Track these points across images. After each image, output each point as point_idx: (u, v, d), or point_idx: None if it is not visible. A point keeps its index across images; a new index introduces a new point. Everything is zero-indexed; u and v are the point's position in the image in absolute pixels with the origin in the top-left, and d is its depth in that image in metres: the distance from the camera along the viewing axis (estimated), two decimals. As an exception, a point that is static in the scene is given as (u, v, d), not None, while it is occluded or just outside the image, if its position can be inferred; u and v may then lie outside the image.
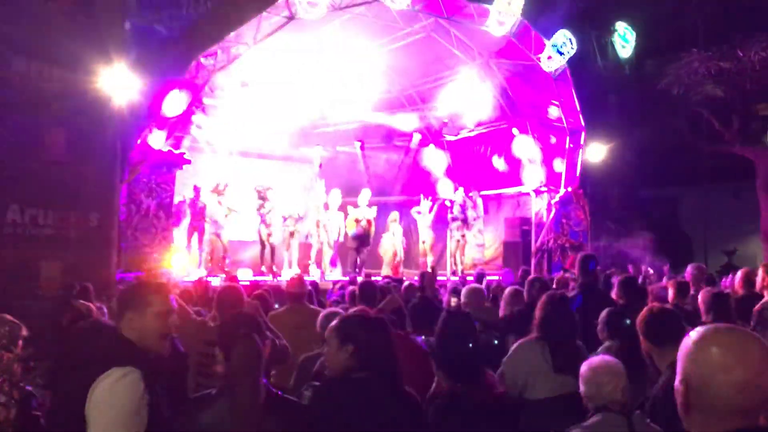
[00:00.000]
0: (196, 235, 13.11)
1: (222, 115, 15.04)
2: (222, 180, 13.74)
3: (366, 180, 17.31)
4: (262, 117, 15.31)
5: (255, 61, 13.55)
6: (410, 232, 16.57)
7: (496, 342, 4.64)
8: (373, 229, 14.58)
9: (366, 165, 18.15)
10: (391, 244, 15.17)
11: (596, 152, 15.78)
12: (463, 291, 5.69)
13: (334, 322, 2.87)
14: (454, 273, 15.10)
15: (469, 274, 12.33)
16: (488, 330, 4.76)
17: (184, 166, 12.72)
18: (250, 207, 13.84)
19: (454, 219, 15.38)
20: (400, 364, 2.78)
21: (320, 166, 15.92)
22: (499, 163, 17.11)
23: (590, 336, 4.35)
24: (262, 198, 13.68)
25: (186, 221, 13.20)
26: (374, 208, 14.83)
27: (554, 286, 7.61)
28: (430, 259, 15.52)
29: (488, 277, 10.30)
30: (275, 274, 13.29)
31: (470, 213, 15.53)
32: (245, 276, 12.75)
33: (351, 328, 2.79)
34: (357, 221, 14.34)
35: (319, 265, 14.57)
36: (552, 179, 16.01)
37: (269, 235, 13.62)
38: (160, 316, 2.67)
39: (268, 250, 13.64)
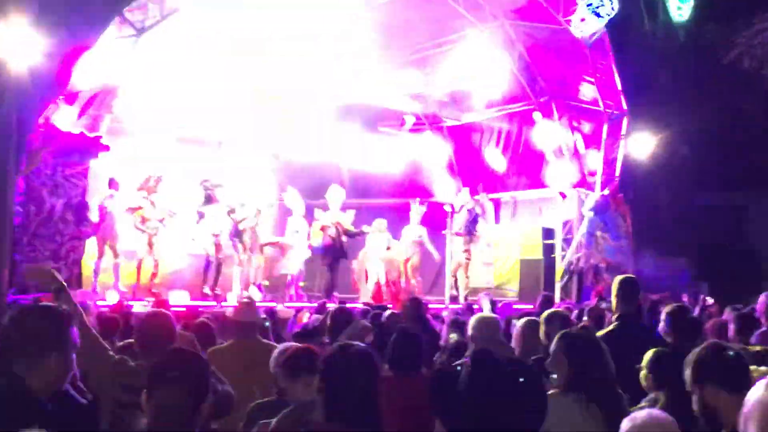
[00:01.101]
0: (108, 246, 12.95)
1: (156, 87, 14.99)
2: (154, 172, 13.68)
3: (343, 177, 17.30)
4: (207, 92, 15.25)
5: (200, 17, 13.51)
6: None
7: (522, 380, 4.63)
8: (344, 238, 14.55)
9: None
10: (374, 261, 15.18)
11: (642, 144, 15.85)
12: (472, 321, 5.68)
13: (292, 356, 2.88)
14: (454, 300, 15.12)
15: (473, 302, 12.35)
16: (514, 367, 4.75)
17: (102, 155, 12.62)
18: (192, 209, 13.80)
19: (455, 230, 15.40)
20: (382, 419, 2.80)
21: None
22: (515, 157, 17.17)
23: (630, 384, 4.37)
24: (209, 197, 13.64)
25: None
26: (350, 213, 14.84)
27: (585, 318, 7.64)
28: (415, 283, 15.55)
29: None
30: (219, 298, 13.26)
31: (478, 223, 15.59)
32: (179, 300, 12.66)
33: (327, 367, 2.82)
34: (324, 229, 14.35)
35: (288, 287, 14.62)
36: (584, 179, 16.12)
37: (217, 246, 13.60)
38: (59, 364, 2.71)
39: (214, 265, 13.63)
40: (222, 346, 5.55)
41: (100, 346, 4.23)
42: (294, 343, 4.67)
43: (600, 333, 5.15)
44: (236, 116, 16.13)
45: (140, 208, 13.21)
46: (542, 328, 5.58)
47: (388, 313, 7.32)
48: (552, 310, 6.22)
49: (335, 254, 14.32)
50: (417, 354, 4.76)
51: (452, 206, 15.90)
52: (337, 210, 14.67)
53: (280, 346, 4.56)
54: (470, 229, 15.40)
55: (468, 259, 15.55)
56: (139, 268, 13.22)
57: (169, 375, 2.67)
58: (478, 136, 18.11)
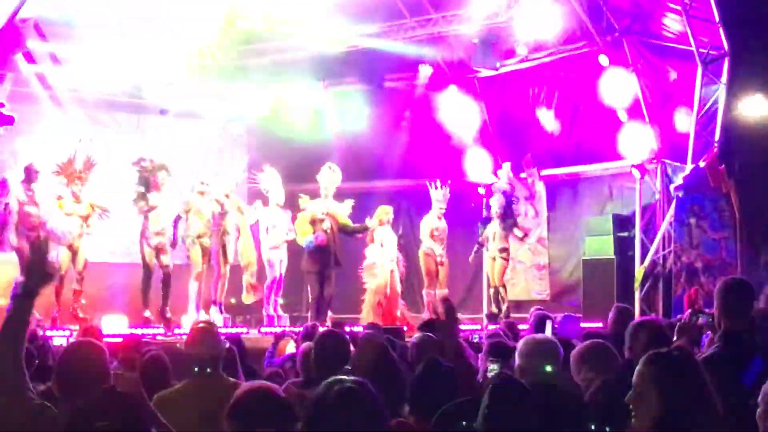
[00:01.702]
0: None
1: (75, 40, 15.04)
2: (78, 154, 13.72)
3: (336, 154, 17.31)
4: (143, 43, 15.30)
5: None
6: (413, 242, 16.59)
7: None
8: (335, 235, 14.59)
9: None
10: (379, 264, 15.20)
11: (751, 98, 15.79)
12: (521, 346, 5.66)
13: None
14: (492, 318, 15.14)
15: (520, 319, 12.33)
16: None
17: (4, 128, 12.67)
18: (126, 201, 13.87)
19: (490, 218, 15.40)
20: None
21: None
22: (574, 120, 17.15)
23: (742, 425, 4.34)
24: (146, 183, 13.67)
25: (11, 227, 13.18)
26: (348, 203, 14.85)
27: (674, 336, 7.63)
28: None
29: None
30: (171, 325, 13.28)
31: (522, 208, 15.58)
32: (116, 327, 12.74)
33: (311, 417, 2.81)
34: (314, 223, 14.34)
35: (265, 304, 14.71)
36: (671, 146, 16.07)
37: (159, 251, 13.61)
38: None
39: (156, 278, 13.67)
40: (172, 389, 5.52)
41: (22, 382, 4.22)
42: (255, 383, 4.62)
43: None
44: (187, 73, 16.18)
45: (59, 198, 13.29)
46: (627, 340, 5.59)
47: (416, 339, 7.24)
48: (639, 320, 6.19)
49: (326, 257, 14.36)
50: (451, 394, 4.73)
51: (488, 188, 15.91)
52: (331, 198, 14.66)
53: (247, 385, 4.51)
54: (504, 218, 15.41)
55: (505, 259, 15.54)
56: (59, 284, 13.26)
57: (96, 426, 2.65)
58: (521, 91, 18.09)
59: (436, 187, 15.77)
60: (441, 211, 15.70)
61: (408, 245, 16.40)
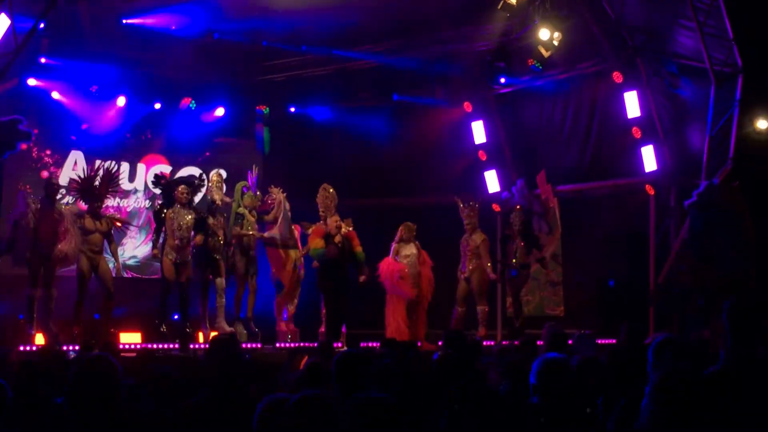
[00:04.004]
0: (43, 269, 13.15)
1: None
2: (98, 171, 13.87)
3: (350, 170, 17.36)
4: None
5: None
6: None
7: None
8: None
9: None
10: (396, 277, 15.19)
11: (765, 114, 15.73)
12: (537, 368, 5.64)
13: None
14: (510, 333, 15.20)
15: (533, 333, 12.33)
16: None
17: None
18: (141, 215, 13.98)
19: (509, 235, 15.38)
20: None
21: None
22: (588, 136, 17.13)
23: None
24: (168, 192, 13.80)
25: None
26: (347, 222, 14.88)
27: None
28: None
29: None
30: (187, 339, 13.34)
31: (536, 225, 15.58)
32: (129, 342, 12.80)
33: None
34: (327, 237, 14.33)
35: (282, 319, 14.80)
36: (685, 163, 16.04)
37: (179, 265, 13.72)
38: None
39: (177, 292, 13.82)
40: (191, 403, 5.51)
41: None
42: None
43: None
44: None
45: (80, 217, 13.38)
46: (651, 360, 5.57)
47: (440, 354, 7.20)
48: (664, 336, 6.15)
49: (344, 273, 14.40)
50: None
51: (503, 201, 15.90)
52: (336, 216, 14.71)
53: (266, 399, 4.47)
54: (525, 234, 15.42)
55: (526, 275, 15.54)
56: (79, 299, 13.45)
57: None
58: (535, 108, 18.10)
59: (461, 204, 15.82)
60: (470, 226, 15.74)
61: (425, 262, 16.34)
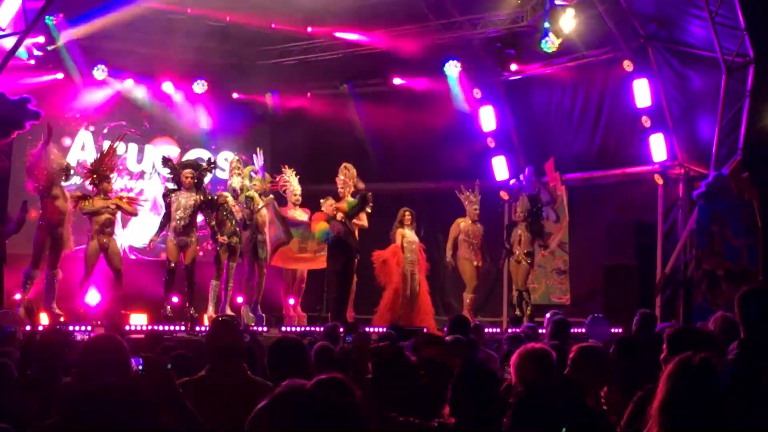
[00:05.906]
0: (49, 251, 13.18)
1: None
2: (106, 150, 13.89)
3: (359, 155, 17.37)
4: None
5: None
6: (434, 243, 16.58)
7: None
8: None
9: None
10: (392, 263, 15.27)
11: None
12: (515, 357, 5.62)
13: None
14: (516, 321, 15.21)
15: (540, 324, 12.30)
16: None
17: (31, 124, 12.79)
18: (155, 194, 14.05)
19: (515, 222, 15.36)
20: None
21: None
22: (597, 125, 17.09)
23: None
24: (177, 182, 13.86)
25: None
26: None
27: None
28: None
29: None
30: (193, 322, 13.36)
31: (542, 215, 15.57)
32: (135, 323, 12.83)
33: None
34: (329, 219, 14.35)
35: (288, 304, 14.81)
36: (694, 153, 15.99)
37: (185, 247, 13.76)
38: None
39: (183, 274, 13.85)
40: (197, 375, 5.49)
41: None
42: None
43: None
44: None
45: (86, 198, 13.40)
46: (666, 350, 5.52)
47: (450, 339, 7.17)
48: (684, 326, 6.08)
49: (352, 254, 14.37)
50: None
51: (511, 190, 15.86)
52: (349, 197, 14.65)
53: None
54: (532, 223, 15.42)
55: (530, 264, 15.55)
56: (86, 280, 13.50)
57: None
58: (545, 96, 18.06)
59: (462, 191, 15.78)
60: (475, 212, 15.71)
61: (430, 249, 16.33)
